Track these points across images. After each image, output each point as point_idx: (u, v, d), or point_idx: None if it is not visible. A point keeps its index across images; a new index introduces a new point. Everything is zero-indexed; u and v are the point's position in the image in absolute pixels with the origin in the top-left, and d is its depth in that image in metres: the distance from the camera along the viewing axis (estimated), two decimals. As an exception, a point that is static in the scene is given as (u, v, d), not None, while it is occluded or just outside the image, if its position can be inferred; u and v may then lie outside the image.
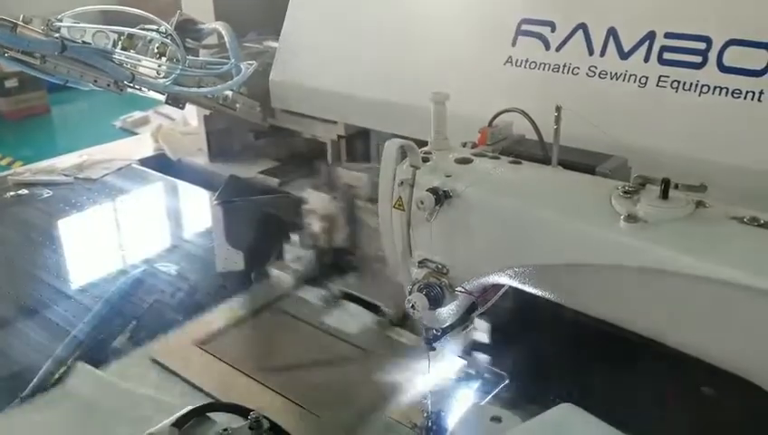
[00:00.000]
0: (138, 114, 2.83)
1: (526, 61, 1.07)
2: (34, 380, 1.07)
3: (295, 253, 1.20)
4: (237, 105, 1.37)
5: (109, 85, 1.16)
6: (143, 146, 1.99)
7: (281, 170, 1.62)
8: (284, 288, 1.14)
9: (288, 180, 1.57)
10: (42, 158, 1.94)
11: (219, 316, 1.08)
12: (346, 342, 1.00)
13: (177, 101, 1.30)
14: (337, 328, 1.04)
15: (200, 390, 0.90)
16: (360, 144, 1.51)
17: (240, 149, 1.75)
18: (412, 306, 0.80)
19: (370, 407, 0.84)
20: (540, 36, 1.06)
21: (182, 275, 1.37)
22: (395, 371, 0.91)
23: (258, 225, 1.57)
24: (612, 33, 0.99)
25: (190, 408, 0.69)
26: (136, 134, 2.35)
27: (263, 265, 1.48)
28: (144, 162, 1.89)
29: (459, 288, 0.82)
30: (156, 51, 1.21)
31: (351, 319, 1.06)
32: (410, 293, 0.82)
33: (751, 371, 0.62)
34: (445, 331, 0.91)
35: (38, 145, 4.21)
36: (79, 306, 1.27)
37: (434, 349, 0.94)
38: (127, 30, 1.16)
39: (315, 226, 1.15)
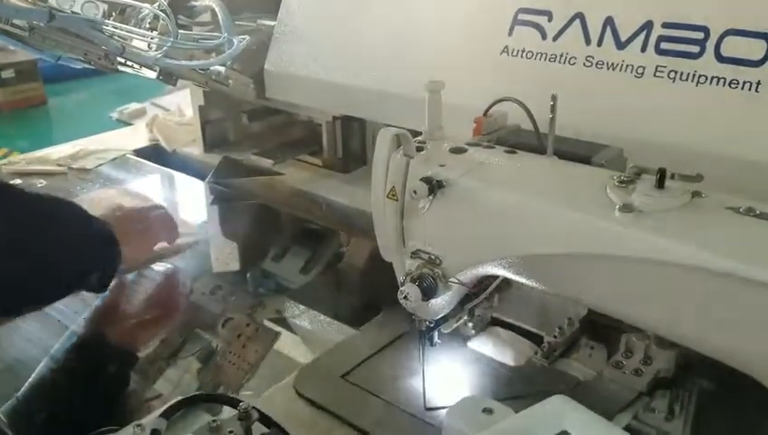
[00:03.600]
0: (134, 106, 2.81)
1: (522, 50, 1.06)
2: (31, 377, 1.07)
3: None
4: (230, 81, 1.36)
5: (100, 59, 1.15)
6: (138, 136, 1.98)
7: (274, 151, 1.60)
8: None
9: (281, 161, 1.55)
10: (38, 148, 1.92)
11: (355, 344, 1.00)
12: (511, 375, 0.90)
13: (169, 76, 1.28)
14: (492, 358, 0.92)
15: (362, 431, 0.82)
16: (355, 126, 1.49)
17: (235, 140, 1.74)
18: (405, 297, 0.80)
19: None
20: (536, 26, 1.05)
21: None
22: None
23: (254, 221, 1.57)
24: (609, 22, 0.98)
25: (179, 398, 0.69)
26: (132, 125, 2.33)
27: (258, 264, 1.48)
28: (139, 153, 1.87)
29: (453, 279, 0.81)
30: (148, 26, 1.20)
31: (505, 348, 0.94)
32: (403, 284, 0.81)
33: (747, 362, 0.62)
34: (438, 322, 0.90)
35: (35, 136, 4.19)
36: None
37: (433, 344, 0.94)
38: (116, 0, 1.15)
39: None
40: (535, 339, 0.98)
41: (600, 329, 0.96)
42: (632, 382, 0.86)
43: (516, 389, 0.88)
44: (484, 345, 0.97)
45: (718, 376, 0.88)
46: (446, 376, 0.91)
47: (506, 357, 0.94)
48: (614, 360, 0.90)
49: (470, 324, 0.99)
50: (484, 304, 1.00)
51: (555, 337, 0.95)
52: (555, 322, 0.98)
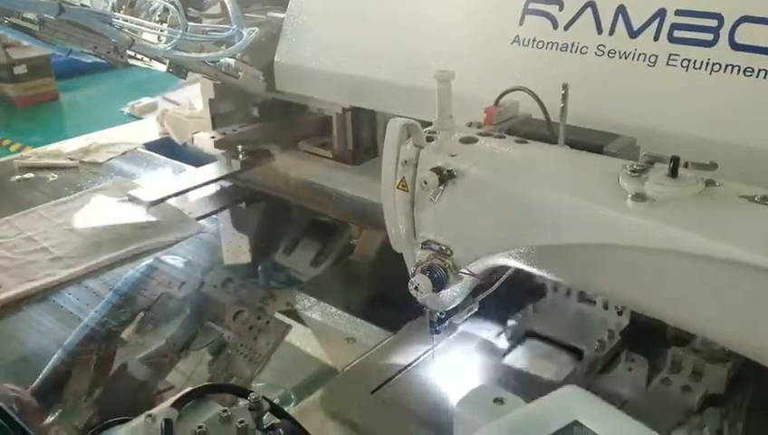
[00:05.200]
0: (146, 100, 2.82)
1: (533, 40, 1.05)
2: (44, 369, 1.07)
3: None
4: (240, 73, 1.36)
5: (109, 53, 1.15)
6: (149, 130, 1.99)
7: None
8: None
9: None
10: (51, 144, 1.94)
11: (385, 356, 0.96)
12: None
13: (179, 69, 1.29)
14: (529, 372, 0.88)
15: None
16: (365, 118, 1.49)
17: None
18: (415, 288, 0.79)
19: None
20: (547, 15, 1.04)
21: (189, 265, 1.37)
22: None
23: (264, 213, 1.57)
24: (621, 10, 0.97)
25: (189, 389, 0.69)
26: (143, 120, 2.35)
27: (269, 257, 1.49)
28: (149, 146, 1.88)
29: (463, 270, 0.81)
30: (158, 19, 1.21)
31: (543, 362, 0.90)
32: (414, 275, 0.81)
33: (762, 353, 0.61)
34: (449, 314, 0.90)
35: (48, 131, 4.23)
36: (88, 293, 1.27)
37: (438, 332, 0.93)
38: None
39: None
40: (574, 352, 0.94)
41: (641, 340, 0.93)
42: (682, 400, 0.81)
43: None
44: (520, 359, 0.93)
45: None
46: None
47: (545, 372, 0.90)
48: (661, 376, 0.85)
49: (505, 337, 0.96)
50: (519, 315, 0.97)
51: (596, 351, 0.91)
52: (593, 334, 0.93)
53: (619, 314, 0.94)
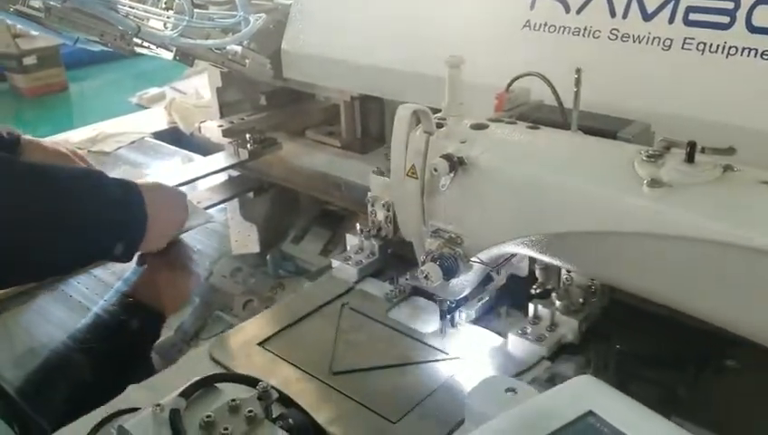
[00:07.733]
0: (153, 90, 2.81)
1: (545, 24, 1.03)
2: (52, 358, 1.07)
3: (357, 243, 1.10)
4: (247, 61, 1.35)
5: (116, 40, 1.14)
6: (156, 119, 1.98)
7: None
8: (347, 282, 1.06)
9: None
10: (60, 134, 1.93)
11: (279, 314, 1.01)
12: (420, 341, 0.92)
13: (185, 57, 1.27)
14: (408, 325, 0.96)
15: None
16: (373, 106, 1.47)
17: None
18: (425, 277, 0.78)
19: (449, 414, 0.78)
20: (559, -1, 1.02)
21: (198, 255, 1.37)
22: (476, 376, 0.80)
23: (273, 203, 1.56)
24: (635, -7, 0.95)
25: (198, 378, 0.68)
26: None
27: (278, 246, 1.48)
28: (157, 135, 1.87)
29: (474, 259, 0.80)
30: (164, 6, 1.19)
31: (423, 316, 0.98)
32: (423, 263, 0.80)
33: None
34: (459, 302, 0.89)
35: (56, 121, 4.24)
36: (97, 282, 1.27)
37: (453, 325, 0.93)
38: None
39: (379, 214, 1.06)
40: None
41: (520, 297, 0.97)
42: (534, 348, 0.87)
43: (422, 355, 0.89)
44: (402, 314, 0.99)
45: (638, 343, 0.92)
46: (359, 343, 0.93)
47: (421, 325, 0.96)
48: (520, 326, 0.90)
49: (394, 293, 1.02)
50: (407, 274, 1.03)
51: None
52: (474, 292, 0.96)
53: (497, 274, 0.98)
